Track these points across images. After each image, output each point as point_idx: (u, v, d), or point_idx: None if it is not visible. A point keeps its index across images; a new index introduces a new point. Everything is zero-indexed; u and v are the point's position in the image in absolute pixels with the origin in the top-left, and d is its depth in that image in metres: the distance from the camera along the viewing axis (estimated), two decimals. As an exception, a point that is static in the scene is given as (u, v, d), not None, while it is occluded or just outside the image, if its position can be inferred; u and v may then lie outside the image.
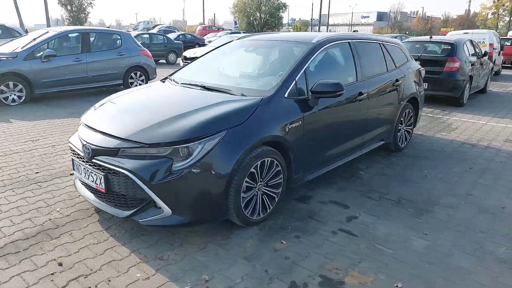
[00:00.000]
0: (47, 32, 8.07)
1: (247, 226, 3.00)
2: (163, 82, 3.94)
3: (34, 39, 7.75)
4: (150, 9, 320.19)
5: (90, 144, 2.81)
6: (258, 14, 58.42)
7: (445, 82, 8.16)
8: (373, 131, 4.35)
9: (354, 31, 37.55)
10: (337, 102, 3.63)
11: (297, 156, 3.26)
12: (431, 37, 8.88)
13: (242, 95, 3.18)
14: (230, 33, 22.47)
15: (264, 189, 3.04)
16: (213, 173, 2.62)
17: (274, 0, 57.57)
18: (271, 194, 3.12)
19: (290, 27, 78.00)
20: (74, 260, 2.53)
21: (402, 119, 4.93)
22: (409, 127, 5.22)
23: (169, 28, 32.57)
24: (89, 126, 3.02)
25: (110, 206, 2.81)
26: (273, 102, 3.08)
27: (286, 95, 3.18)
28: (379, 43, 4.62)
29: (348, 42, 4.06)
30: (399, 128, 4.94)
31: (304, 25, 75.23)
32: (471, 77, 8.57)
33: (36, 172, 4.03)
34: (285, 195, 3.57)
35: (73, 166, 3.15)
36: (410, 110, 5.09)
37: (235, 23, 49.12)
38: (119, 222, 3.01)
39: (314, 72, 3.69)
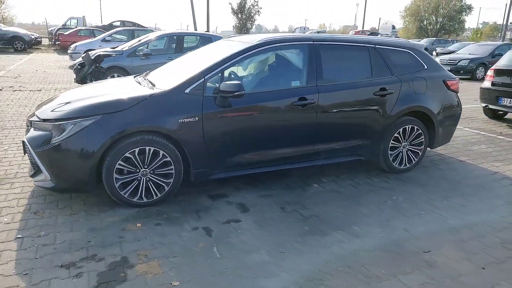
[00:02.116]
0: (150, 35, 9.69)
1: (129, 206, 3.29)
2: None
3: (140, 41, 9.44)
4: (322, 15, 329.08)
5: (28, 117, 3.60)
6: (433, 18, 53.02)
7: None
8: (335, 143, 3.94)
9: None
10: (263, 105, 3.52)
11: (195, 152, 3.35)
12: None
13: (151, 87, 3.48)
14: None
15: (150, 176, 3.28)
16: (81, 150, 3.04)
17: (456, 1, 51.18)
18: (159, 182, 3.32)
19: (470, 32, 67.85)
20: (-15, 202, 3.34)
21: (398, 135, 4.24)
22: (417, 147, 4.41)
23: (317, 32, 33.36)
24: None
25: (29, 167, 3.53)
26: (167, 97, 3.28)
27: (188, 91, 3.32)
28: (367, 46, 4.11)
29: (308, 45, 3.81)
30: (395, 146, 4.26)
31: (495, 30, 64.10)
32: None
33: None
34: (198, 188, 3.68)
35: None
36: (416, 127, 4.30)
37: (393, 27, 46.08)
38: (49, 183, 3.71)
39: (247, 73, 3.67)
